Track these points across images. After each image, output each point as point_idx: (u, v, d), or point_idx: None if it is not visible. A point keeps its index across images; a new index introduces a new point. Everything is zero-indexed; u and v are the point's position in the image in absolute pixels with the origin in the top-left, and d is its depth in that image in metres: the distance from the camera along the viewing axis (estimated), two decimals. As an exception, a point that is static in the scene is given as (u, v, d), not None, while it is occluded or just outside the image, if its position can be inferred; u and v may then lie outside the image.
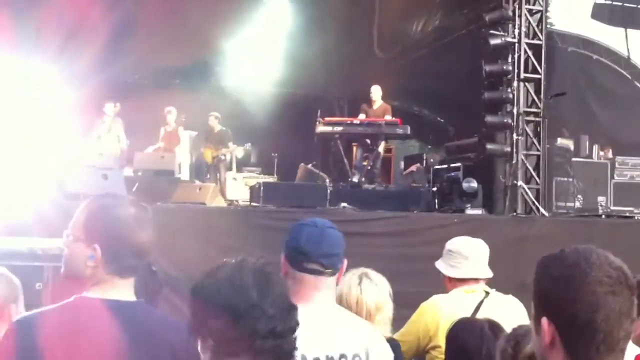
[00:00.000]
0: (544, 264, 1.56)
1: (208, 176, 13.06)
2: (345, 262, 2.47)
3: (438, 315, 3.43)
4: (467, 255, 3.57)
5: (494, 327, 2.73)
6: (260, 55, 16.60)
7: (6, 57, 11.24)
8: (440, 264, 3.66)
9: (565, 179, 11.62)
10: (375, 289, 3.13)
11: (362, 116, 11.61)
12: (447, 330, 2.94)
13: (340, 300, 3.03)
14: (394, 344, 3.13)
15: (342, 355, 2.30)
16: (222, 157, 12.89)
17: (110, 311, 2.07)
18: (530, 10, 10.65)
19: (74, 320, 2.06)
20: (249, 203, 10.19)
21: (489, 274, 3.62)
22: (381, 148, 11.40)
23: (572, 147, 12.80)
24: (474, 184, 9.62)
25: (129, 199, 2.25)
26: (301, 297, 2.28)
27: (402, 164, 14.18)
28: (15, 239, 6.33)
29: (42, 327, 2.04)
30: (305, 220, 2.46)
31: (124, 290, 2.14)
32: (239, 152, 13.51)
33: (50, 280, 5.96)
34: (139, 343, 2.07)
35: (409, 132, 11.24)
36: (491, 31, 10.43)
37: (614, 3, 14.38)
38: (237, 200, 11.91)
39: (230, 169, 13.52)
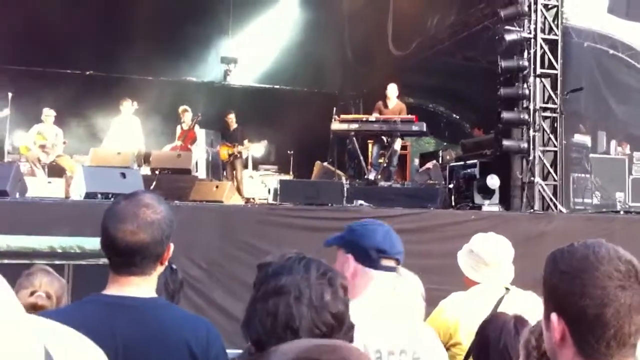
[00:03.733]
0: (553, 259, 1.53)
1: (224, 174, 13.13)
2: None
3: (458, 312, 3.42)
4: (488, 262, 3.53)
5: (518, 323, 2.73)
6: (275, 54, 16.65)
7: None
8: (461, 261, 3.63)
9: (583, 175, 11.55)
10: (407, 288, 3.09)
11: (375, 115, 11.55)
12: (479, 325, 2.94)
13: None
14: None
15: (402, 351, 2.34)
16: (238, 155, 12.95)
17: (121, 308, 2.08)
18: (545, 6, 10.59)
19: (86, 317, 2.05)
20: (265, 201, 10.23)
21: (510, 278, 3.59)
22: (397, 145, 11.36)
23: (589, 143, 12.71)
24: (497, 181, 9.64)
25: (125, 194, 2.18)
26: (372, 293, 2.41)
27: (416, 161, 14.19)
28: (35, 238, 6.40)
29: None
30: (369, 222, 2.59)
31: (139, 287, 2.12)
32: (256, 149, 13.56)
33: (70, 278, 6.03)
34: (152, 340, 2.06)
35: (424, 129, 11.20)
36: (506, 27, 10.38)
37: (631, -3, 14.28)
38: (253, 198, 11.96)
39: (246, 166, 13.59)
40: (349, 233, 2.52)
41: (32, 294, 2.95)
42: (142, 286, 2.13)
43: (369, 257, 2.44)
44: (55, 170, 11.51)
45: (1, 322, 0.87)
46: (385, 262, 2.46)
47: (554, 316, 1.48)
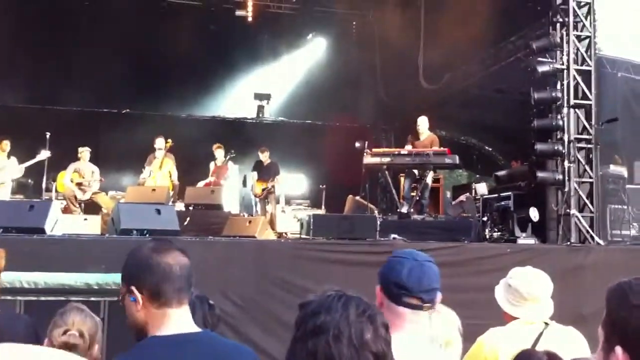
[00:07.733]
0: (621, 292, 1.50)
1: (257, 209, 13.18)
2: (440, 295, 2.45)
3: (497, 348, 3.35)
4: (527, 296, 3.47)
5: (553, 359, 2.67)
6: (307, 89, 16.80)
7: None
8: (499, 296, 3.58)
9: (620, 206, 11.38)
10: (444, 323, 3.02)
11: (408, 147, 11.52)
12: None
13: None
14: None
15: None
16: (272, 190, 13.01)
17: (185, 344, 2.12)
18: (578, 37, 10.53)
19: None
20: (298, 235, 10.22)
21: (549, 312, 3.51)
22: (429, 178, 11.30)
23: (625, 174, 12.55)
24: (537, 213, 9.59)
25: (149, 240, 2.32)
26: (397, 328, 2.26)
27: (448, 194, 14.10)
28: (72, 274, 6.47)
29: None
30: (404, 253, 2.45)
31: (184, 322, 2.17)
32: (290, 182, 13.57)
33: (106, 315, 6.06)
34: None
35: (457, 162, 11.12)
36: (539, 58, 10.35)
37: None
38: (286, 233, 11.96)
39: (278, 201, 13.63)
40: (385, 264, 2.44)
41: (65, 332, 3.00)
42: (187, 319, 2.18)
43: (393, 292, 2.35)
44: (91, 207, 11.68)
45: None
46: (408, 300, 2.35)
47: (618, 349, 1.45)
